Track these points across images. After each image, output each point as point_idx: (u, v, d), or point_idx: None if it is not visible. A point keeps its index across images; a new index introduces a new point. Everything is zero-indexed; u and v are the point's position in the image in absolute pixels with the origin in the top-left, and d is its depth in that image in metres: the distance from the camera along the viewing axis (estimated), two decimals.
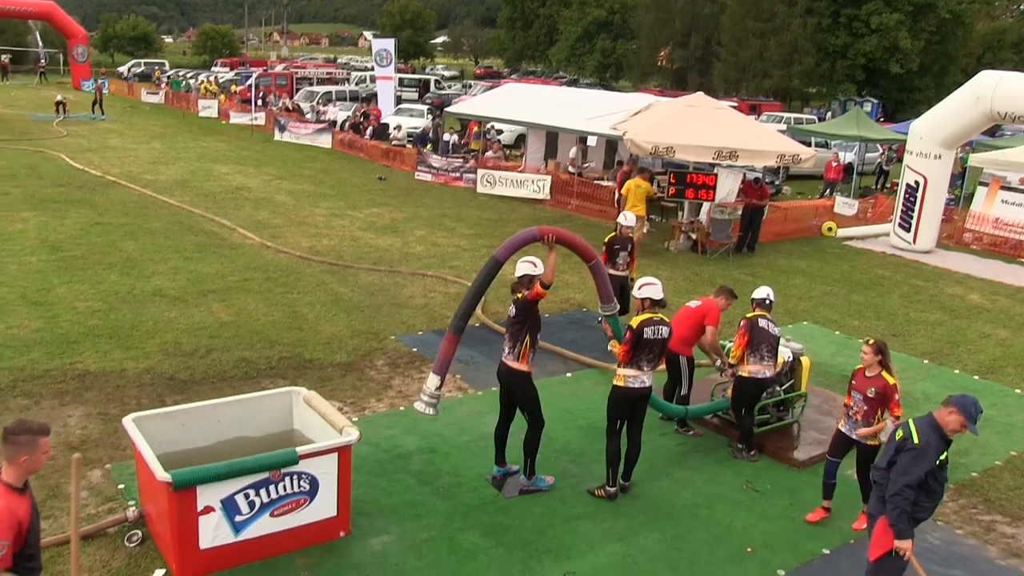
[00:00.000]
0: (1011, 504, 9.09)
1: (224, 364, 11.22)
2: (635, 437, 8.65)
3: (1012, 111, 19.66)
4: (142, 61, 77.49)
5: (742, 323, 9.69)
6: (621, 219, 13.38)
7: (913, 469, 6.03)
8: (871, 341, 8.08)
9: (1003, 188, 23.75)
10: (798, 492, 9.00)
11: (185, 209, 20.63)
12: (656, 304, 8.62)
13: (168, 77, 60.50)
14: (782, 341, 10.54)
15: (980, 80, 20.46)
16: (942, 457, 6.08)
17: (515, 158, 31.66)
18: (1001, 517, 8.83)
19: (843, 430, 8.22)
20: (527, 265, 8.15)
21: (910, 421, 6.33)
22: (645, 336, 8.29)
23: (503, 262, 8.05)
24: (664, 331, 8.45)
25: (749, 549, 7.85)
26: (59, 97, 42.27)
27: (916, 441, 6.08)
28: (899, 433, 6.25)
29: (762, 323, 9.54)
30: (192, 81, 56.79)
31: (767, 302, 9.80)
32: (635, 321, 8.44)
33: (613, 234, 13.30)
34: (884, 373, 7.86)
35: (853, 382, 8.14)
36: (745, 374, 9.51)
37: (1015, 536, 8.47)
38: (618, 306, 9.37)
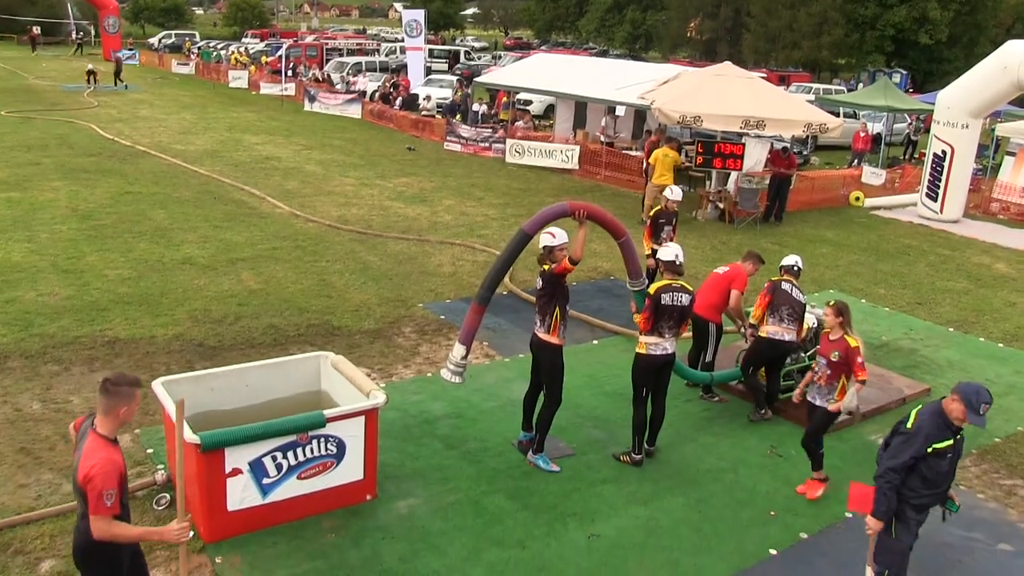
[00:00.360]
0: None
1: (253, 331, 11.37)
2: (659, 403, 8.72)
3: None
4: (172, 32, 77.50)
5: (766, 285, 9.76)
6: (668, 193, 13.23)
7: (900, 453, 5.97)
8: (831, 303, 8.06)
9: None
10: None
11: (215, 179, 20.81)
12: (672, 269, 8.67)
13: (198, 48, 60.66)
14: (807, 307, 10.57)
15: (1007, 50, 20.31)
16: (939, 445, 5.89)
17: (544, 128, 31.61)
18: (1022, 481, 8.89)
19: (808, 398, 8.20)
20: (547, 236, 8.13)
21: (919, 405, 6.25)
22: (663, 302, 8.33)
23: (532, 235, 8.07)
24: (684, 298, 8.48)
25: (772, 512, 7.93)
26: (90, 66, 42.48)
27: (908, 425, 6.02)
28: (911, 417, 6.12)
29: (785, 286, 9.58)
30: (223, 52, 56.94)
31: (795, 269, 9.83)
32: (653, 288, 8.49)
33: (659, 207, 13.17)
34: (846, 336, 7.80)
35: (819, 347, 8.13)
36: (763, 335, 9.56)
37: None
38: (647, 281, 9.36)
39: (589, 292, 13.81)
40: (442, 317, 12.35)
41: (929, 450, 5.88)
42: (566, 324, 8.27)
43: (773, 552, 7.35)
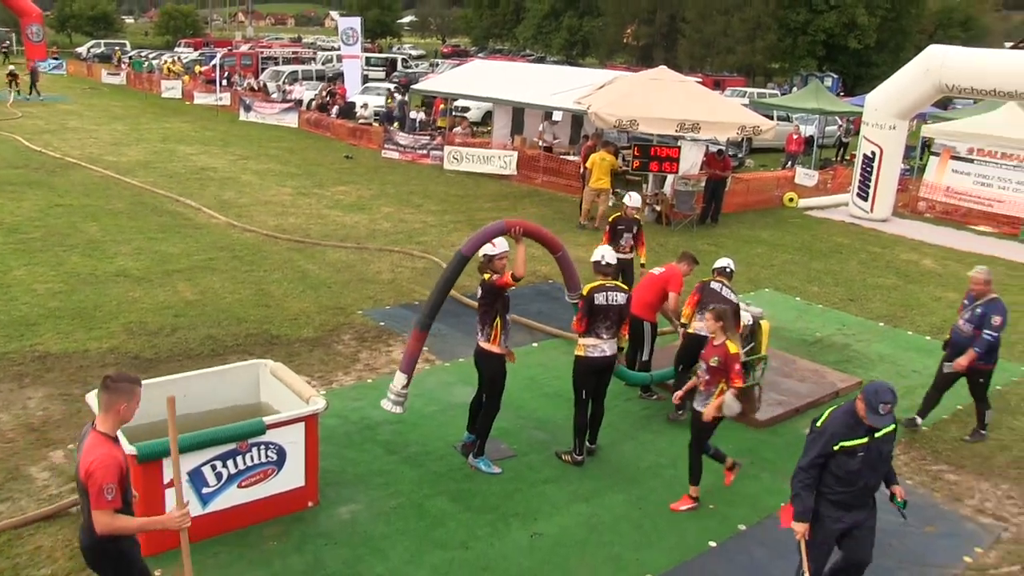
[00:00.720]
0: (955, 454, 9.55)
1: (190, 342, 11.26)
2: (599, 403, 8.80)
3: (957, 83, 20.37)
4: (101, 42, 76.20)
5: (696, 285, 9.93)
6: (626, 200, 13.19)
7: (808, 451, 5.99)
8: (712, 308, 8.12)
9: (953, 158, 24.15)
10: (759, 451, 9.26)
11: (149, 190, 20.53)
12: (599, 270, 8.78)
13: (129, 58, 59.69)
14: (742, 306, 10.76)
15: (929, 54, 21.09)
16: (847, 443, 5.83)
17: (483, 135, 31.70)
18: (947, 466, 9.26)
19: (693, 404, 8.15)
20: (487, 245, 8.17)
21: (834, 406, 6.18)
22: (597, 302, 8.41)
23: (470, 257, 8.03)
24: (619, 297, 8.57)
25: (712, 506, 8.07)
26: (11, 67, 41.46)
27: (819, 423, 6.03)
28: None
29: (714, 285, 9.75)
30: (155, 62, 56.15)
31: (727, 271, 9.99)
32: (586, 288, 8.57)
33: (618, 214, 13.13)
34: (728, 342, 7.78)
35: (703, 352, 8.13)
36: (692, 331, 9.70)
37: (958, 483, 8.90)
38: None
39: (528, 296, 13.89)
40: (382, 324, 12.34)
41: (836, 447, 5.85)
42: (508, 334, 8.29)
43: (712, 544, 7.48)
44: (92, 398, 7.21)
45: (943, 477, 8.99)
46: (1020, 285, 16.76)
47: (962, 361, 9.55)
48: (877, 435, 5.86)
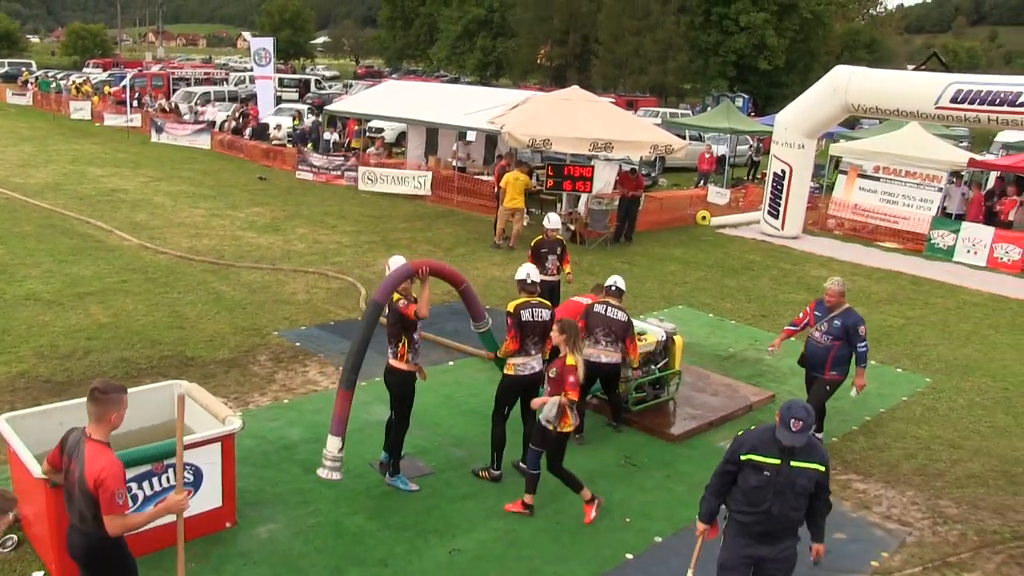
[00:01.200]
0: (864, 463, 9.84)
1: (103, 365, 11.07)
2: (530, 419, 8.72)
3: (864, 103, 21.04)
4: (6, 61, 74.38)
5: (582, 310, 9.94)
6: (545, 222, 13.08)
7: (723, 458, 6.03)
8: (558, 322, 8.21)
9: (860, 176, 24.91)
10: (674, 464, 9.43)
11: (58, 212, 20.09)
12: (524, 288, 8.90)
13: (36, 78, 58.29)
14: (654, 322, 11.01)
15: (836, 74, 21.78)
16: (756, 457, 5.74)
17: (399, 155, 31.71)
18: (855, 475, 9.54)
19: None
20: (392, 262, 8.39)
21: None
22: (524, 319, 8.50)
23: (384, 304, 7.97)
24: (544, 314, 8.68)
25: (628, 519, 8.20)
26: None
27: (740, 432, 6.08)
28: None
29: (598, 308, 9.81)
30: (63, 82, 54.90)
31: (613, 288, 10.00)
32: (511, 306, 8.66)
33: (540, 237, 13.03)
34: (569, 354, 7.83)
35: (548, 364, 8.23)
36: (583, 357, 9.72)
37: (865, 491, 9.19)
38: (490, 321, 9.17)
39: (444, 315, 13.93)
40: (297, 344, 12.28)
41: (743, 457, 5.79)
42: (416, 351, 8.30)
43: (629, 556, 7.61)
44: (1, 422, 7.10)
45: (852, 486, 9.26)
46: (924, 300, 17.36)
47: (861, 381, 9.80)
48: (793, 463, 5.69)
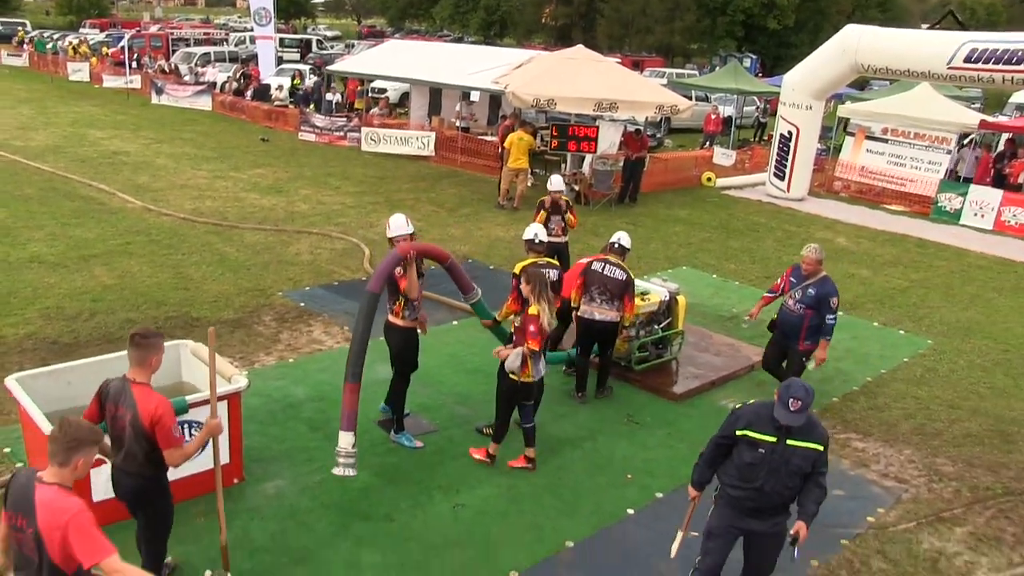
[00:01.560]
0: (863, 423, 9.95)
1: (109, 326, 11.13)
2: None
3: (874, 63, 20.71)
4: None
5: (581, 268, 9.94)
6: (549, 185, 12.89)
7: (719, 429, 5.97)
8: (524, 272, 8.21)
9: (868, 138, 24.81)
10: (676, 423, 9.51)
11: (60, 175, 20.06)
12: (537, 248, 8.95)
13: (31, 38, 57.76)
14: (657, 282, 11.02)
15: (846, 33, 21.45)
16: (752, 433, 5.67)
17: (402, 115, 31.61)
18: (855, 434, 9.66)
19: None
20: (389, 225, 8.48)
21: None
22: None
23: (379, 293, 7.89)
24: (553, 273, 8.81)
25: (629, 475, 8.29)
26: None
27: (738, 406, 6.02)
28: None
29: (596, 266, 9.65)
30: (59, 43, 54.46)
31: (616, 245, 9.82)
32: (519, 267, 8.70)
33: (544, 198, 12.76)
34: (532, 304, 7.77)
35: None
36: (580, 314, 9.74)
37: (864, 449, 9.32)
38: (479, 292, 8.98)
39: (446, 276, 13.92)
40: (302, 304, 12.33)
41: (739, 432, 5.73)
42: (412, 308, 8.28)
43: (631, 511, 7.71)
44: (11, 382, 7.17)
45: (851, 444, 9.37)
46: (928, 263, 17.39)
47: (821, 354, 9.71)
48: (790, 442, 5.60)
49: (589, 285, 9.63)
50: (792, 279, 9.89)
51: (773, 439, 5.62)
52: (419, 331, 8.53)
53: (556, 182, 12.97)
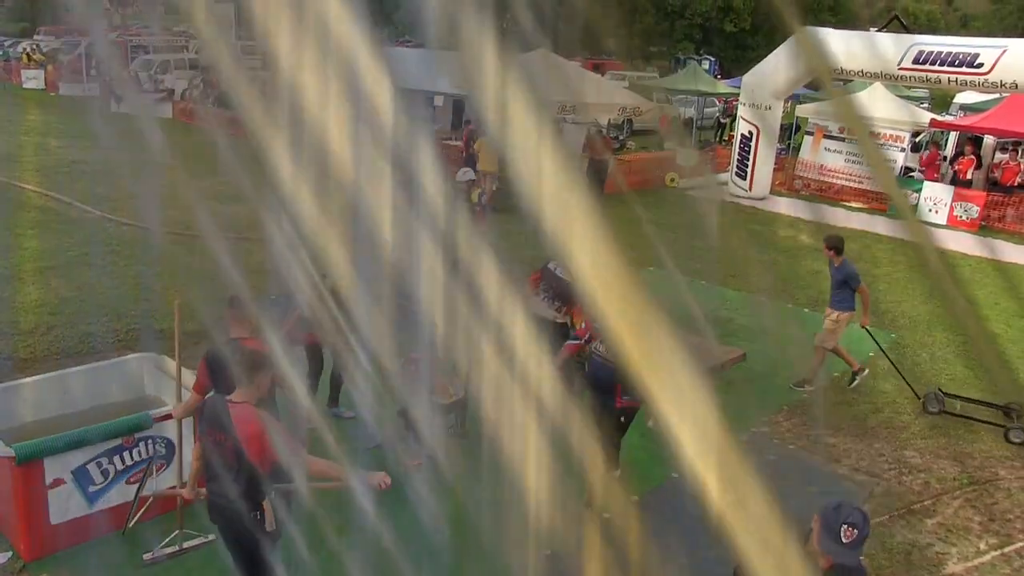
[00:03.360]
0: (834, 417, 10.08)
1: (68, 340, 10.92)
2: None
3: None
4: None
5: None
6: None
7: None
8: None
9: (826, 137, 25.05)
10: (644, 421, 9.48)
11: (15, 185, 19.67)
12: None
13: None
14: None
15: (800, 36, 21.59)
16: None
17: None
18: (826, 430, 9.77)
19: None
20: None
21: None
22: None
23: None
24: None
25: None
26: None
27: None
28: None
29: (550, 265, 9.39)
30: (11, 50, 53.44)
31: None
32: None
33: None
34: None
35: None
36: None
37: (835, 445, 9.44)
38: None
39: None
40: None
41: None
42: None
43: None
44: None
45: (822, 440, 9.48)
46: (888, 258, 17.55)
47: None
48: None
49: (546, 285, 9.46)
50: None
51: None
52: None
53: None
